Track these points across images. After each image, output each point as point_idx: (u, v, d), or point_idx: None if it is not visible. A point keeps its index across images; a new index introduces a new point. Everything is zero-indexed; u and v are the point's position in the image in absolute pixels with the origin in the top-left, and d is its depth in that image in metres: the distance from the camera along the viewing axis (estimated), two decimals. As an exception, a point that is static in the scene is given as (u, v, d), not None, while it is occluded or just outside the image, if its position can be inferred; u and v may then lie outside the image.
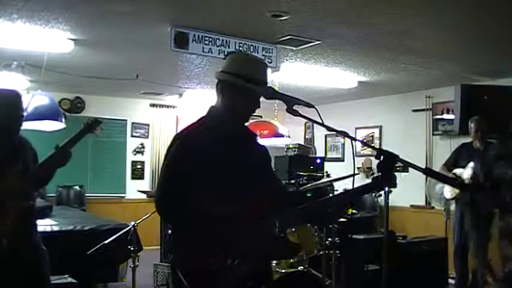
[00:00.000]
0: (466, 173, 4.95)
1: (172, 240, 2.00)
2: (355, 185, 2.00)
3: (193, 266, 1.92)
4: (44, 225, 4.54)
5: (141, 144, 8.80)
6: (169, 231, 2.01)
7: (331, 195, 4.16)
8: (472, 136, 5.09)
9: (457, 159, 5.18)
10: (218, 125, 2.08)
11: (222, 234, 1.91)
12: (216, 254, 1.90)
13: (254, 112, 2.18)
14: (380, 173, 1.79)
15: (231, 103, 2.11)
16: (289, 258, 3.69)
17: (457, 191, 5.02)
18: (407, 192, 6.64)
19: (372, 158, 7.33)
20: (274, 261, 4.05)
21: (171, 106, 8.89)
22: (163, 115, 8.88)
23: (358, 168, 7.62)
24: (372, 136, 8.02)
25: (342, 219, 4.58)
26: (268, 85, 2.06)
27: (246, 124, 2.26)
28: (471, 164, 4.93)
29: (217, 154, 1.97)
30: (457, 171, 5.05)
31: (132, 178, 8.63)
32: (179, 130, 2.13)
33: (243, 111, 2.15)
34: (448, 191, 5.16)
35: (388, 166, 1.71)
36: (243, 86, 2.06)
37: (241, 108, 2.13)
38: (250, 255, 1.94)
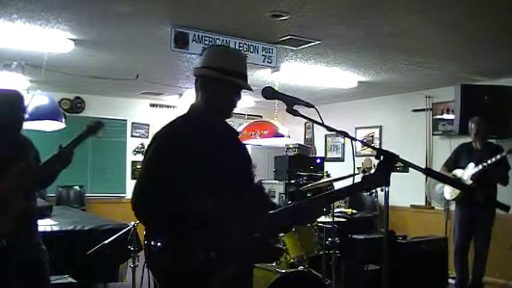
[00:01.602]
0: (466, 173, 4.94)
1: (148, 244, 1.88)
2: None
3: (171, 266, 1.84)
4: (44, 225, 4.54)
5: (141, 144, 8.80)
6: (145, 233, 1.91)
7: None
8: (472, 137, 5.08)
9: (457, 159, 5.17)
10: (200, 122, 2.02)
11: (203, 234, 1.84)
12: (196, 255, 1.82)
13: (236, 107, 2.11)
14: (370, 172, 1.79)
15: (213, 99, 2.04)
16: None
17: (457, 191, 5.02)
18: (407, 192, 6.66)
19: (372, 158, 7.33)
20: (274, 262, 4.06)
21: (171, 106, 8.88)
22: (163, 115, 8.87)
23: (358, 168, 7.62)
24: (372, 136, 8.02)
25: (342, 219, 4.58)
26: (268, 85, 2.06)
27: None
28: (471, 164, 4.93)
29: (198, 152, 1.91)
30: (457, 172, 5.05)
31: (132, 178, 8.62)
32: (157, 130, 2.04)
33: (226, 106, 2.08)
34: (448, 192, 5.16)
35: (388, 166, 1.71)
36: (226, 80, 2.00)
37: (224, 103, 2.06)
38: (232, 256, 1.87)
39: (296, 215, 1.99)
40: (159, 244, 1.86)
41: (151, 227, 1.90)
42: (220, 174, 1.93)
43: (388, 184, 1.68)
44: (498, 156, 4.71)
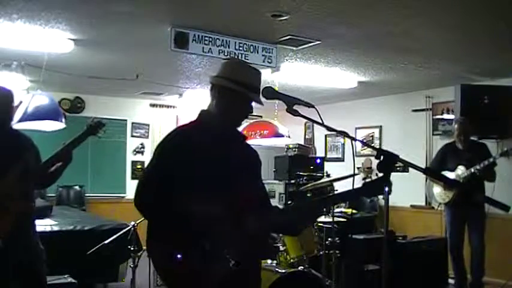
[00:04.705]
0: (455, 176, 4.90)
1: (151, 241, 1.99)
2: (355, 186, 2.00)
3: (174, 266, 1.91)
4: (44, 225, 4.54)
5: (141, 144, 8.81)
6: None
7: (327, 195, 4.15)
8: (455, 137, 5.08)
9: (443, 161, 5.15)
10: (211, 127, 2.11)
11: (203, 233, 1.92)
12: (197, 255, 1.90)
13: (247, 117, 2.23)
14: (371, 178, 1.80)
15: (226, 108, 2.13)
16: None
17: (449, 195, 4.99)
18: (407, 192, 6.65)
19: (372, 158, 7.32)
20: (274, 261, 4.06)
21: (171, 106, 8.88)
22: (163, 115, 8.88)
23: (358, 168, 7.62)
24: (372, 136, 8.02)
25: (342, 219, 4.58)
26: (268, 85, 2.07)
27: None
28: (460, 167, 4.91)
29: (204, 155, 2.01)
30: (448, 175, 4.97)
31: (132, 178, 8.62)
32: (179, 125, 2.19)
33: (237, 116, 2.18)
34: (440, 196, 5.12)
35: (388, 166, 1.71)
36: (241, 92, 2.08)
37: (236, 113, 2.17)
38: (232, 255, 1.94)
39: (296, 216, 2.07)
40: (161, 243, 1.96)
41: (153, 222, 2.01)
42: (218, 176, 2.01)
43: (389, 188, 1.69)
44: (491, 159, 4.72)
